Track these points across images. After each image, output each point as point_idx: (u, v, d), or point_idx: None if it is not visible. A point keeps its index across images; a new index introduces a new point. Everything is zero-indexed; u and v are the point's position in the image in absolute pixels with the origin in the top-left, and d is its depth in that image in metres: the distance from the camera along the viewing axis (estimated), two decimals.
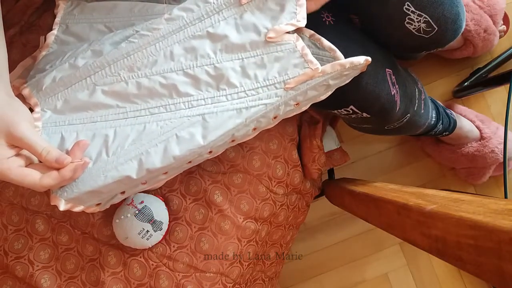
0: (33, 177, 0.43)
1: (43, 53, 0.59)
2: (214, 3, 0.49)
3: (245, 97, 0.49)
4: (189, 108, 0.50)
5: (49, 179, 0.43)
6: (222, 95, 0.50)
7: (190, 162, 0.52)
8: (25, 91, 0.54)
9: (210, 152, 0.52)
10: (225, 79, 0.49)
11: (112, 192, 0.50)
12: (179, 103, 0.50)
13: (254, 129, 0.51)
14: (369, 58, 0.50)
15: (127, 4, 0.58)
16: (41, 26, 0.65)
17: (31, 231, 0.62)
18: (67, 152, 0.47)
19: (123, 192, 0.52)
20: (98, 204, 0.50)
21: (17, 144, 0.44)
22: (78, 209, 0.49)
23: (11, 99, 0.46)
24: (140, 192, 0.60)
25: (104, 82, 0.52)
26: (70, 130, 0.51)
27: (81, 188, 0.48)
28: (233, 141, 0.53)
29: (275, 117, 0.51)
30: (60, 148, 0.49)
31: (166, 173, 0.52)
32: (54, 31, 0.60)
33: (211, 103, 0.49)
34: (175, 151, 0.48)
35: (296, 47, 0.49)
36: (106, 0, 0.60)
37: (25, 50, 0.65)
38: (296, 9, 0.48)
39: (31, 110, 0.52)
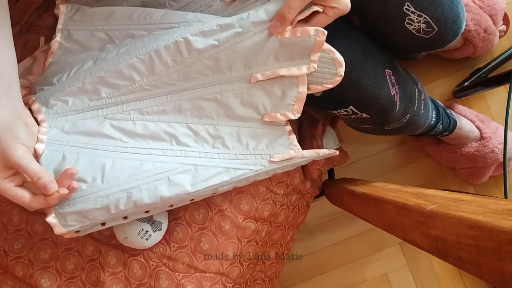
0: (24, 198, 0.48)
1: (49, 60, 0.61)
2: (228, 73, 0.53)
3: (234, 159, 0.55)
4: (185, 156, 0.55)
5: (37, 203, 0.48)
6: (215, 153, 0.55)
7: (172, 206, 0.56)
8: (35, 107, 0.57)
9: (192, 200, 0.56)
10: (221, 140, 0.56)
11: (95, 220, 0.52)
12: (177, 150, 0.55)
13: (234, 187, 0.58)
14: (337, 152, 0.60)
15: (125, 10, 0.59)
16: (41, 26, 0.65)
17: (31, 231, 0.62)
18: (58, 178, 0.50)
19: (103, 224, 0.54)
20: (77, 232, 0.53)
21: (13, 167, 0.48)
22: (59, 230, 0.51)
23: (15, 118, 0.50)
24: None
25: (114, 117, 0.56)
26: (72, 151, 0.54)
27: (72, 206, 0.51)
28: (213, 193, 0.58)
29: (254, 181, 0.59)
30: (59, 166, 0.53)
31: (147, 211, 0.55)
32: (57, 38, 0.61)
33: (205, 157, 0.55)
34: (164, 192, 0.52)
35: (285, 129, 0.56)
36: (104, 6, 0.60)
37: (25, 50, 0.65)
38: (295, 102, 0.53)
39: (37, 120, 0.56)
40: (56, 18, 0.63)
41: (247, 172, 0.55)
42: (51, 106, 0.56)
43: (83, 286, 0.61)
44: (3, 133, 0.47)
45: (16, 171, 0.49)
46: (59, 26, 0.61)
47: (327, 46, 0.50)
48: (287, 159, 0.56)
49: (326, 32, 0.49)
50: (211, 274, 0.60)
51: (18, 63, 0.62)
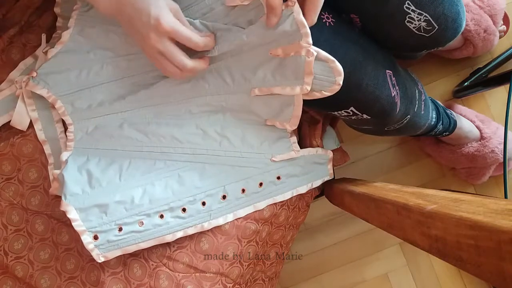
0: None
1: (59, 48, 0.60)
2: (231, 85, 0.57)
3: (239, 157, 0.60)
4: (193, 154, 0.60)
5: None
6: (221, 150, 0.60)
7: (184, 210, 0.58)
8: (58, 105, 0.61)
9: (204, 203, 0.59)
10: (227, 139, 0.60)
11: (113, 216, 0.56)
12: (186, 148, 0.60)
13: (243, 190, 0.61)
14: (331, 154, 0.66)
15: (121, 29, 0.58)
16: (41, 26, 0.65)
17: (31, 231, 0.62)
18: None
19: (120, 229, 0.56)
20: (95, 238, 0.56)
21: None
22: (77, 225, 0.55)
23: None
24: None
25: (132, 120, 0.61)
26: (95, 154, 0.60)
27: (92, 200, 0.56)
28: (224, 195, 0.60)
29: (260, 184, 0.61)
30: (83, 165, 0.59)
31: (162, 216, 0.57)
32: (70, 30, 0.60)
33: (212, 154, 0.59)
34: (174, 187, 0.58)
35: (286, 131, 0.60)
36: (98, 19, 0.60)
37: (25, 50, 0.65)
38: (290, 117, 0.57)
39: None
40: (56, 18, 0.63)
41: (252, 170, 0.59)
42: (76, 109, 0.61)
43: (83, 286, 0.61)
44: None
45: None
46: (73, 18, 0.60)
47: (325, 55, 0.51)
48: (286, 159, 0.60)
49: (315, 53, 0.50)
50: (211, 274, 0.60)
51: (18, 63, 0.62)
